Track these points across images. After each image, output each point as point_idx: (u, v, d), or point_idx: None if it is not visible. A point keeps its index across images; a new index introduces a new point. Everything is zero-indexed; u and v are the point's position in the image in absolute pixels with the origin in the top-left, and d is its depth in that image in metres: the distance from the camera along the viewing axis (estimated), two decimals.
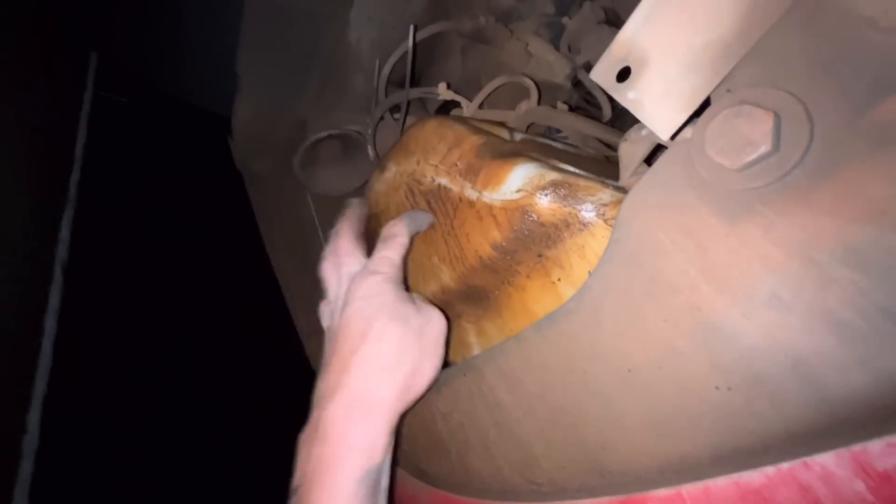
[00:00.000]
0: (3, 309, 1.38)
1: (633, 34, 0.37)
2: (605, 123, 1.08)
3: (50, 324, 1.77)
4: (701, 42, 0.33)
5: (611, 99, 1.15)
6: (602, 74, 0.39)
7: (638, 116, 0.37)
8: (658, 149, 0.52)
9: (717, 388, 0.33)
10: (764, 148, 0.27)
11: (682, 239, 0.33)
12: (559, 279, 0.55)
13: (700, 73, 0.33)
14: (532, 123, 0.96)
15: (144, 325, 1.91)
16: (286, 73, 1.10)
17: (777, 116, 0.27)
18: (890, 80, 0.24)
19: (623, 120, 1.28)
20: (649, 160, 0.53)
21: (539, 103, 0.95)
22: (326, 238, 0.89)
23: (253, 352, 2.01)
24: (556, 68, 1.15)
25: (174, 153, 2.02)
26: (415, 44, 0.97)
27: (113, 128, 2.04)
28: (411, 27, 0.94)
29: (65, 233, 2.03)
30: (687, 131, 0.35)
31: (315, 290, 1.13)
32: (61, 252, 1.97)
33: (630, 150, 0.49)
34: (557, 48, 1.17)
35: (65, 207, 2.05)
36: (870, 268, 0.25)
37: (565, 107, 0.93)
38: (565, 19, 1.16)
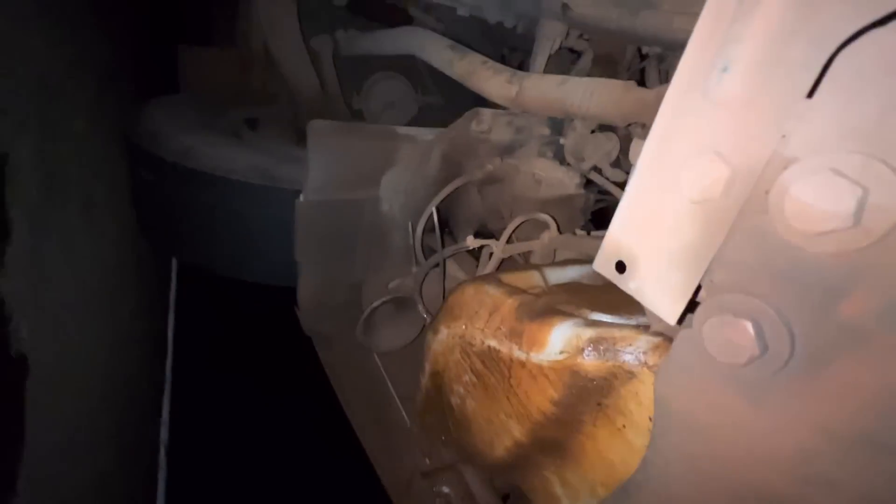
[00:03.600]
0: (114, 495, 1.50)
1: (618, 236, 0.45)
2: None
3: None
4: (674, 246, 0.40)
5: None
6: (602, 267, 0.46)
7: (643, 304, 0.43)
8: None
9: None
10: (752, 352, 0.31)
11: (720, 418, 0.37)
12: (624, 426, 0.57)
13: (682, 270, 0.39)
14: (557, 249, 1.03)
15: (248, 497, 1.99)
16: (337, 249, 1.27)
17: (757, 324, 0.32)
18: (838, 288, 0.29)
19: None
20: None
21: (559, 231, 1.03)
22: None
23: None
24: (567, 181, 1.25)
25: (250, 323, 2.27)
26: (446, 203, 1.11)
27: (197, 310, 2.34)
28: (432, 206, 1.07)
29: (165, 415, 2.22)
30: (690, 319, 0.40)
31: (394, 443, 1.17)
32: (163, 435, 2.15)
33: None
34: (562, 163, 1.29)
35: (163, 393, 2.27)
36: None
37: (583, 233, 1.00)
38: (562, 140, 1.30)
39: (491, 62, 1.13)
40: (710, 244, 0.36)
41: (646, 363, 0.54)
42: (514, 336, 0.66)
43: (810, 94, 0.30)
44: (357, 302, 1.35)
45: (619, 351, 0.55)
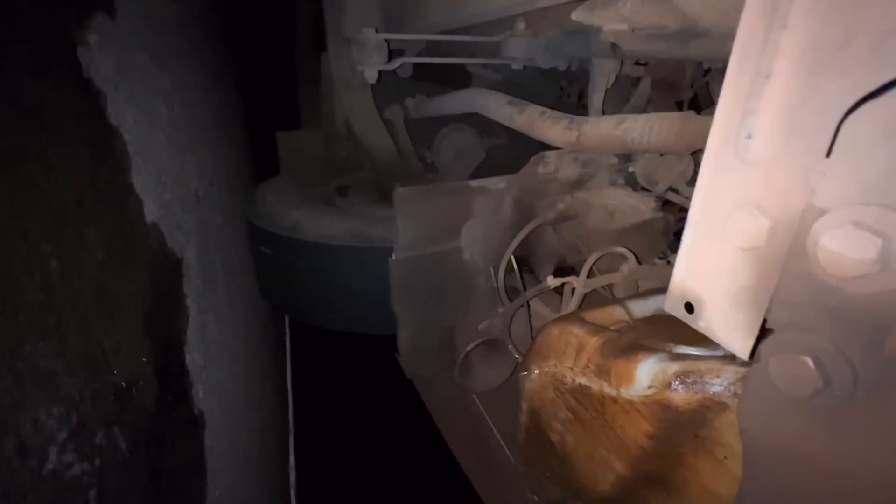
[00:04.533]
0: None
1: (682, 280, 0.49)
2: None
3: None
4: (733, 288, 0.44)
5: None
6: (673, 308, 0.51)
7: (715, 341, 0.47)
8: None
9: None
10: (816, 385, 0.34)
11: (803, 448, 0.39)
12: (725, 457, 0.58)
13: (744, 310, 0.43)
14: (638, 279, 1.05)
15: None
16: (428, 298, 1.40)
17: (817, 359, 0.35)
18: (882, 325, 0.31)
19: None
20: None
21: (638, 261, 1.05)
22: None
23: None
24: (642, 207, 1.26)
25: (358, 371, 2.49)
26: (516, 251, 1.18)
27: (312, 362, 2.62)
28: (509, 253, 1.15)
29: (292, 460, 2.47)
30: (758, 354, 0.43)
31: (502, 482, 1.22)
32: (292, 478, 2.38)
33: None
34: (634, 188, 1.31)
35: (289, 440, 2.52)
36: None
37: (662, 262, 1.01)
38: (630, 168, 1.32)
39: (549, 112, 1.22)
40: (766, 287, 0.40)
41: (735, 394, 0.55)
42: (603, 373, 0.70)
43: (829, 154, 0.35)
44: (451, 345, 1.46)
45: (706, 383, 0.57)
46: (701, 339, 0.67)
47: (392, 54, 1.77)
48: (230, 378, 1.37)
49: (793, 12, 0.34)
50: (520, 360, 1.14)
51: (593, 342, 0.74)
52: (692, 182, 1.26)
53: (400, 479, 2.25)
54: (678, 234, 1.38)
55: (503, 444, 1.14)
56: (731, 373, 0.57)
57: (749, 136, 0.39)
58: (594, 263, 1.12)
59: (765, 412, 0.41)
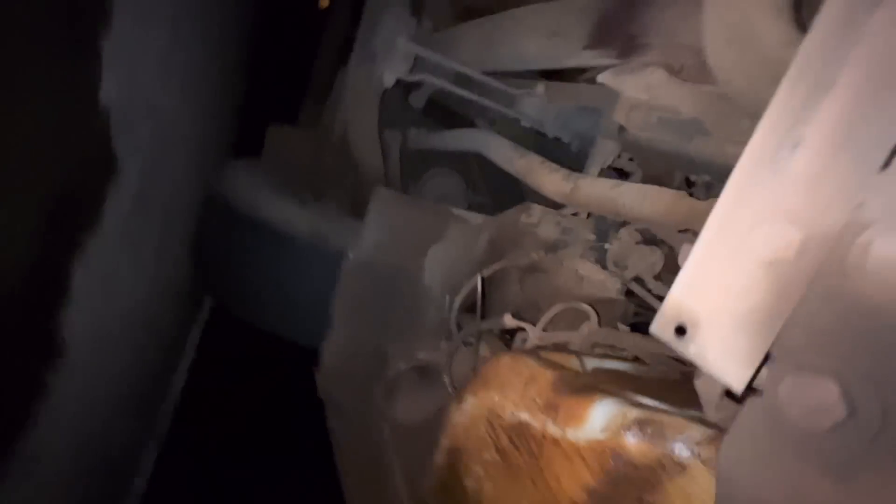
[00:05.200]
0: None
1: (681, 297, 0.45)
2: None
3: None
4: (742, 308, 0.39)
5: None
6: (660, 330, 0.46)
7: (704, 369, 0.41)
8: None
9: None
10: (837, 415, 0.29)
11: (797, 498, 0.33)
12: None
13: (750, 334, 0.38)
14: (597, 344, 1.00)
15: None
16: (372, 312, 1.29)
17: (843, 380, 0.30)
18: None
19: None
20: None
21: (599, 323, 1.02)
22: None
23: None
24: (608, 285, 1.25)
25: (266, 378, 2.23)
26: (483, 285, 1.13)
27: (218, 350, 2.33)
28: (478, 276, 1.11)
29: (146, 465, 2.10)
30: (759, 382, 0.38)
31: None
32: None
33: (706, 387, 0.51)
34: (605, 267, 1.31)
35: (155, 440, 2.17)
36: None
37: (626, 328, 0.98)
38: (606, 245, 1.33)
39: (548, 162, 1.23)
40: (782, 307, 0.36)
41: (699, 455, 0.49)
42: (550, 409, 0.62)
43: (884, 167, 0.33)
44: (379, 375, 1.32)
45: (668, 438, 0.51)
46: (665, 399, 0.62)
47: (411, 87, 1.80)
48: (118, 335, 1.16)
49: (870, 26, 0.34)
50: (453, 395, 1.03)
51: (547, 375, 0.67)
52: (658, 278, 1.28)
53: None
54: (633, 327, 1.38)
55: (404, 486, 0.99)
56: (697, 432, 0.51)
57: (795, 146, 0.37)
58: (552, 318, 1.08)
59: (755, 453, 0.35)
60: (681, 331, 0.44)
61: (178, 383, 2.18)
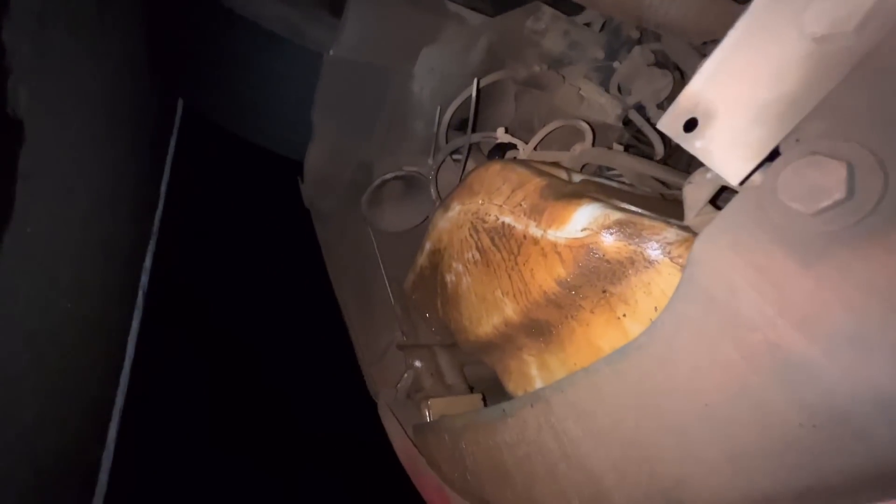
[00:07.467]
0: (92, 330, 1.53)
1: (701, 88, 0.41)
2: (659, 161, 1.10)
3: (130, 346, 1.94)
4: (768, 97, 0.36)
5: (664, 137, 1.17)
6: (669, 125, 0.43)
7: (707, 164, 0.40)
8: (721, 190, 0.54)
9: (800, 425, 0.34)
10: (838, 195, 0.29)
11: (758, 279, 0.35)
12: (624, 315, 0.57)
13: (767, 125, 0.36)
14: (587, 164, 0.99)
15: (217, 351, 2.05)
16: (355, 121, 1.21)
17: (850, 166, 0.29)
18: None
19: (676, 158, 1.29)
20: (713, 201, 0.55)
21: (593, 144, 0.99)
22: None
23: (316, 379, 2.11)
24: (608, 109, 1.19)
25: (248, 191, 2.22)
26: (478, 94, 1.04)
27: (195, 167, 2.27)
28: (475, 80, 1.02)
29: (147, 263, 2.22)
30: (756, 177, 0.38)
31: (375, 320, 1.18)
32: (143, 280, 2.16)
33: (694, 193, 0.52)
34: (607, 90, 1.22)
35: (149, 240, 2.25)
36: None
37: (620, 147, 0.96)
38: (616, 63, 1.21)
39: None
40: (816, 91, 0.33)
41: (669, 254, 0.52)
42: (535, 213, 0.64)
43: None
44: (364, 186, 1.31)
45: (645, 237, 0.53)
46: (648, 208, 0.63)
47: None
48: (75, 122, 1.06)
49: None
50: (438, 204, 1.05)
51: (536, 181, 0.67)
52: (661, 107, 1.20)
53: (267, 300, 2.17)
54: None
55: (388, 285, 1.09)
56: (672, 233, 0.53)
57: None
58: (546, 136, 1.04)
59: (732, 239, 0.37)
60: (690, 126, 0.42)
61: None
